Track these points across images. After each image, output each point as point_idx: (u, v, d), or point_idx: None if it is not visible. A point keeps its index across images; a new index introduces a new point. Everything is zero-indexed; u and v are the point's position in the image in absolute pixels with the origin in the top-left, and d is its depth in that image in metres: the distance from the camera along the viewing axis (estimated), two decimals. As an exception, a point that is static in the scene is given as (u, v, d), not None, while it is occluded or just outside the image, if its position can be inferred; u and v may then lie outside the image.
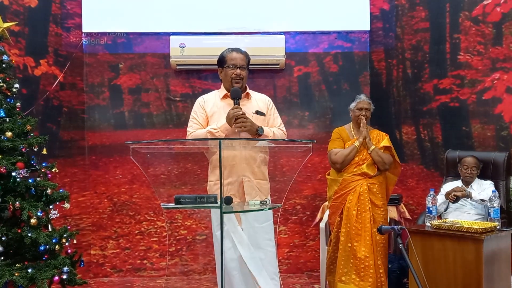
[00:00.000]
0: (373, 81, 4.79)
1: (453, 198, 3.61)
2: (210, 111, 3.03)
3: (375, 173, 3.59)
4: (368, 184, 3.56)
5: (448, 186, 3.83)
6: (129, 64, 4.72)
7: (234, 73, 2.97)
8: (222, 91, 3.07)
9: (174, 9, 4.64)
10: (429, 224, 3.37)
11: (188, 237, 4.71)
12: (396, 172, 3.75)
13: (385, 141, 3.66)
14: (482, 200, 3.58)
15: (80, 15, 4.60)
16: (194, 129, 3.00)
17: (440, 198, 3.71)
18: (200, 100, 3.11)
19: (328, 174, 3.79)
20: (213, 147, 2.92)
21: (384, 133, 3.76)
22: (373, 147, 3.59)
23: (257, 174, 3.02)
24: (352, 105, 3.71)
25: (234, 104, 2.88)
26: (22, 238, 3.05)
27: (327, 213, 3.98)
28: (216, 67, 3.12)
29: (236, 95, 2.91)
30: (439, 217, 3.64)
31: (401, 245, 2.65)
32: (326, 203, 4.14)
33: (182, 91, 4.75)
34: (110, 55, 4.70)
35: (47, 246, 3.12)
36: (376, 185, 3.58)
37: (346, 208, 3.57)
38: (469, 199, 3.62)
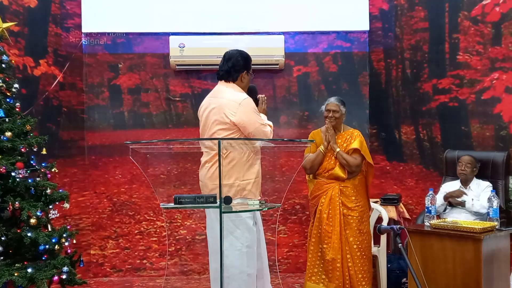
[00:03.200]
0: (372, 81, 4.79)
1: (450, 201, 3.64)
2: None
3: (346, 175, 3.57)
4: (341, 187, 3.57)
5: (447, 186, 3.84)
6: (129, 64, 4.72)
7: None
8: (244, 92, 3.09)
9: (174, 9, 4.64)
10: (428, 224, 3.38)
11: (187, 237, 4.71)
12: (370, 172, 3.68)
13: (355, 143, 3.59)
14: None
15: (79, 15, 4.60)
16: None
17: (439, 199, 3.71)
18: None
19: (309, 176, 3.81)
20: (256, 146, 2.99)
21: (357, 133, 3.68)
22: (338, 150, 3.56)
23: None
24: (322, 108, 3.72)
25: (255, 99, 3.13)
26: (21, 238, 3.05)
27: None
28: (217, 67, 3.13)
29: (256, 92, 3.23)
30: (438, 216, 3.64)
31: (400, 245, 2.65)
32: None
33: (182, 91, 4.75)
34: (110, 55, 4.70)
35: (47, 246, 3.12)
36: (349, 188, 3.57)
37: (318, 210, 3.60)
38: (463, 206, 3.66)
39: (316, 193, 3.64)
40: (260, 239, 3.03)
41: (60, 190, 3.41)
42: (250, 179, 2.98)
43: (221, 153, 2.87)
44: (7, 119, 3.19)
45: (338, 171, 3.57)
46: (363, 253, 3.56)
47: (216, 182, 2.97)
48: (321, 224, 3.56)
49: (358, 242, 3.54)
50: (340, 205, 3.54)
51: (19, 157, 3.17)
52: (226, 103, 2.97)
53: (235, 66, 3.04)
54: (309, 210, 3.78)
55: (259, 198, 2.99)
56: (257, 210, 2.79)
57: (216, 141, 2.82)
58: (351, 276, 3.50)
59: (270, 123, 3.13)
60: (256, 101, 3.15)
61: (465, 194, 3.67)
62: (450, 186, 3.83)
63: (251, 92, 3.15)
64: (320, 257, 3.57)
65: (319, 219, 3.58)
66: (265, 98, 3.20)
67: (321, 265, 3.56)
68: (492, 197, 3.31)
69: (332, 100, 3.68)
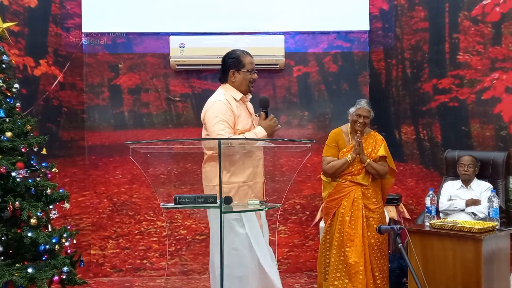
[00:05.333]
0: (373, 81, 4.79)
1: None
2: (237, 113, 2.92)
3: (369, 183, 3.56)
4: (363, 189, 3.54)
5: (448, 185, 3.84)
6: (129, 64, 4.73)
7: (252, 77, 2.99)
8: (237, 93, 2.97)
9: (174, 9, 4.64)
10: (428, 224, 3.38)
11: (187, 237, 4.72)
12: (393, 176, 3.71)
13: (381, 150, 3.57)
14: (474, 214, 3.61)
15: (79, 15, 4.60)
16: (229, 134, 2.83)
17: (447, 203, 3.73)
18: (225, 102, 2.90)
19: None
20: (242, 147, 2.90)
21: (380, 137, 3.67)
22: (368, 161, 3.52)
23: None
24: (352, 110, 3.60)
25: (264, 112, 2.97)
26: (22, 238, 3.05)
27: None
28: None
29: (267, 104, 2.99)
30: (438, 216, 3.65)
31: (400, 245, 2.65)
32: (325, 203, 4.14)
33: (182, 91, 4.76)
34: (110, 55, 4.70)
35: (47, 246, 3.12)
36: (371, 190, 3.56)
37: (340, 213, 3.55)
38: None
39: (337, 196, 3.59)
40: (255, 241, 2.96)
41: (60, 190, 3.41)
42: (236, 182, 2.90)
43: (210, 154, 2.91)
44: (7, 119, 3.19)
45: (361, 180, 3.54)
46: (383, 254, 3.57)
47: (205, 183, 3.01)
48: (344, 227, 3.51)
49: (379, 243, 3.54)
50: (363, 207, 3.51)
51: (20, 157, 3.17)
52: (206, 103, 2.99)
53: (222, 67, 3.02)
54: (325, 211, 3.71)
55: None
56: (255, 210, 2.78)
57: (205, 142, 2.89)
58: (375, 279, 3.48)
59: (253, 135, 2.90)
60: (266, 114, 3.00)
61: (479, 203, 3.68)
62: (451, 186, 3.83)
63: (260, 103, 3.01)
64: (343, 260, 3.51)
65: (341, 222, 3.53)
66: (277, 125, 2.98)
67: (344, 269, 3.50)
68: (492, 197, 3.31)
69: (364, 104, 3.57)
